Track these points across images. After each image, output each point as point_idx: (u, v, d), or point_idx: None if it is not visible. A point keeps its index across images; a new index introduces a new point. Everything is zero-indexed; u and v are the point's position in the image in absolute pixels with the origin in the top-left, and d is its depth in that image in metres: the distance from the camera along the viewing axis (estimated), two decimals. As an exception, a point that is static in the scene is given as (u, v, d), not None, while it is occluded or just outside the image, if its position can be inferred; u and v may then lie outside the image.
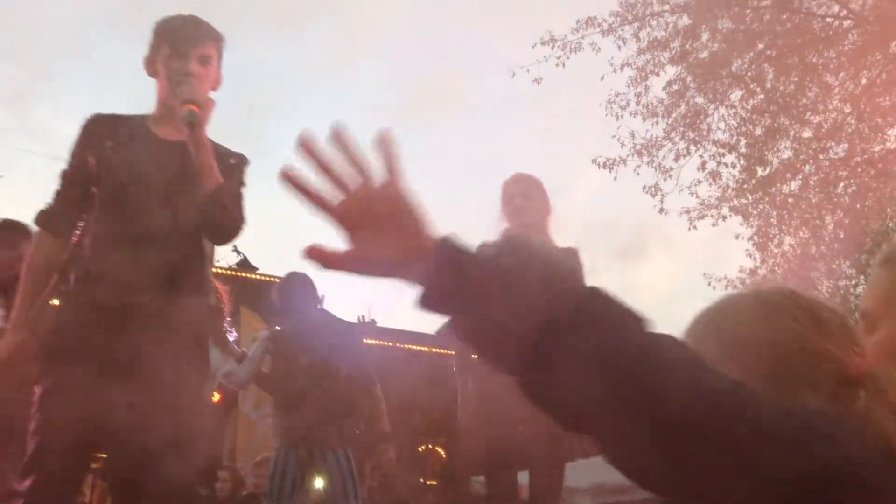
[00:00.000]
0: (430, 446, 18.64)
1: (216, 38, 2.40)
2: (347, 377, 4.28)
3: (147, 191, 2.22)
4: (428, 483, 18.27)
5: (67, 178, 2.35)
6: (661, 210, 10.60)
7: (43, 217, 2.34)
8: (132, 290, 2.16)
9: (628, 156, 10.52)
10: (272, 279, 16.98)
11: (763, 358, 0.90)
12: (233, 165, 2.40)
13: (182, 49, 2.31)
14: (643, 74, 10.37)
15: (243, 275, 16.35)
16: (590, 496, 6.48)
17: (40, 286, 2.28)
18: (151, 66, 2.39)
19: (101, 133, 2.31)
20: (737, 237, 10.97)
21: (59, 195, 2.35)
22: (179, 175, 2.26)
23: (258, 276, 17.08)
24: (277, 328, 4.50)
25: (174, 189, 2.25)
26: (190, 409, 2.25)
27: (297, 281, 4.32)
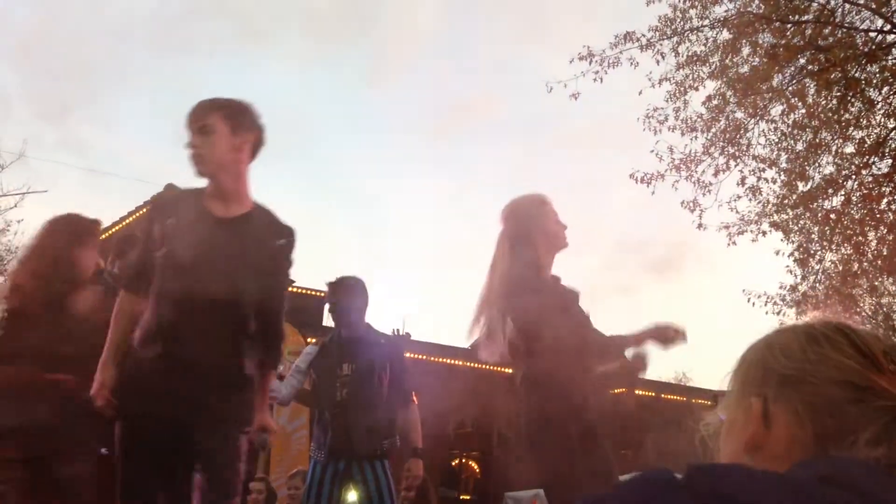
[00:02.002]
0: (463, 460, 18.59)
1: (218, 107, 2.63)
2: (388, 390, 4.29)
3: (201, 263, 2.48)
4: (462, 497, 18.20)
5: (141, 246, 2.66)
6: (700, 226, 10.49)
7: (124, 279, 2.71)
8: (190, 347, 2.48)
9: (666, 171, 10.43)
10: (309, 292, 17.12)
11: (812, 396, 0.89)
12: (280, 247, 2.67)
13: (187, 126, 2.59)
14: (682, 89, 10.29)
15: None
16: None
17: (125, 335, 2.62)
18: None
19: (165, 209, 2.58)
20: (777, 253, 10.81)
21: (136, 261, 2.66)
22: (230, 249, 2.54)
23: (295, 290, 17.25)
24: (324, 341, 4.53)
25: (226, 261, 2.53)
26: (233, 447, 2.58)
27: (349, 286, 4.35)
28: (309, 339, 9.36)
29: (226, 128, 2.57)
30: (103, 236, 14.20)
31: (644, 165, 10.52)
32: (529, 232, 3.17)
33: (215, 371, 2.51)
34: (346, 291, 4.35)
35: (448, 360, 17.45)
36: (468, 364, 17.49)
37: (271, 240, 2.63)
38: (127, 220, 16.34)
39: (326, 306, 4.43)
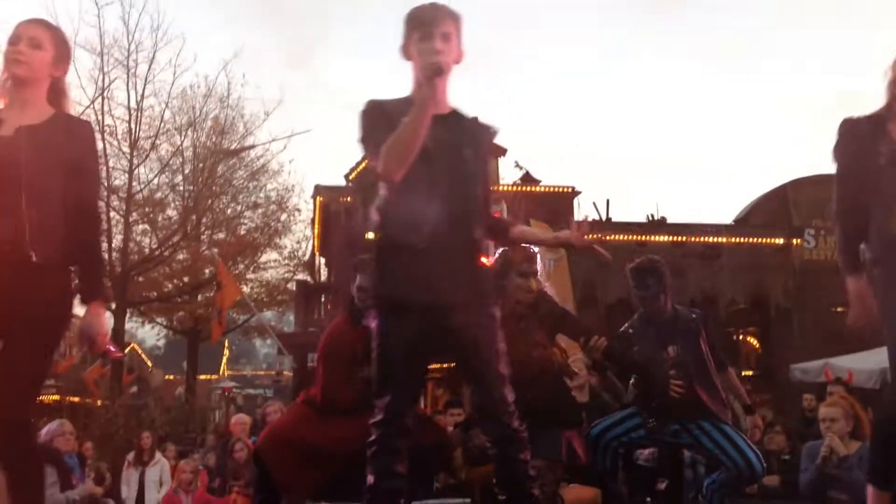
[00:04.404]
0: (741, 337, 18.05)
1: (454, 17, 2.74)
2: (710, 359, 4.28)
3: (425, 160, 2.61)
4: (744, 374, 17.78)
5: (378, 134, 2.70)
6: None
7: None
8: (418, 233, 2.61)
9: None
10: (555, 189, 17.24)
11: None
12: (491, 138, 2.88)
13: (427, 30, 2.67)
14: None
15: (528, 189, 16.76)
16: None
17: None
18: (406, 51, 2.76)
19: (387, 110, 2.70)
20: None
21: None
22: (456, 141, 2.71)
23: (542, 189, 17.42)
24: (627, 328, 4.43)
25: (448, 156, 2.68)
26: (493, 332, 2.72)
27: (657, 270, 4.31)
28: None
29: (458, 37, 2.74)
30: (358, 168, 15.05)
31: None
32: None
33: (467, 259, 2.68)
34: (655, 276, 4.28)
35: (711, 239, 16.83)
36: (733, 240, 16.78)
37: (481, 131, 2.84)
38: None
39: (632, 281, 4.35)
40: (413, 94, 2.73)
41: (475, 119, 2.84)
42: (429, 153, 2.61)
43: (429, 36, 2.66)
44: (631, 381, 4.40)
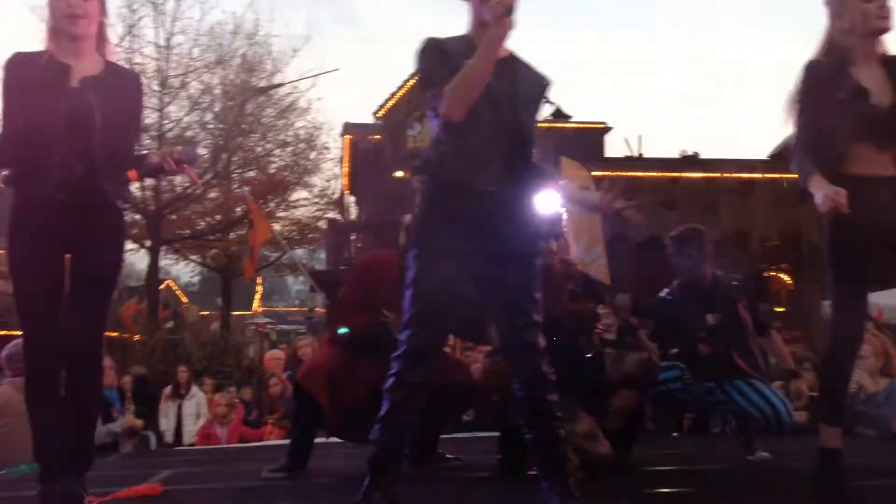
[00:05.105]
0: (774, 273, 17.94)
1: None
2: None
3: (489, 102, 2.65)
4: (776, 310, 17.71)
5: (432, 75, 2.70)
6: None
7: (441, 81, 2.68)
8: (478, 175, 2.65)
9: None
10: (586, 126, 17.02)
11: None
12: (546, 85, 2.85)
13: None
14: None
15: (559, 125, 16.57)
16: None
17: None
18: None
19: (447, 49, 2.70)
20: None
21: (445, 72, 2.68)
22: (505, 87, 2.70)
23: (574, 125, 17.23)
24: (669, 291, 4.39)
25: (507, 100, 2.70)
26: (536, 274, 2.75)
27: (700, 237, 4.28)
28: (593, 172, 9.41)
29: None
30: (387, 106, 14.96)
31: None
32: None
33: (524, 205, 2.74)
34: (695, 245, 4.25)
35: (744, 175, 16.59)
36: (767, 175, 16.53)
37: (536, 79, 2.84)
38: (406, 86, 17.12)
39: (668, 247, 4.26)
40: (472, 34, 2.74)
41: (530, 66, 2.84)
42: (494, 96, 2.64)
43: None
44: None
